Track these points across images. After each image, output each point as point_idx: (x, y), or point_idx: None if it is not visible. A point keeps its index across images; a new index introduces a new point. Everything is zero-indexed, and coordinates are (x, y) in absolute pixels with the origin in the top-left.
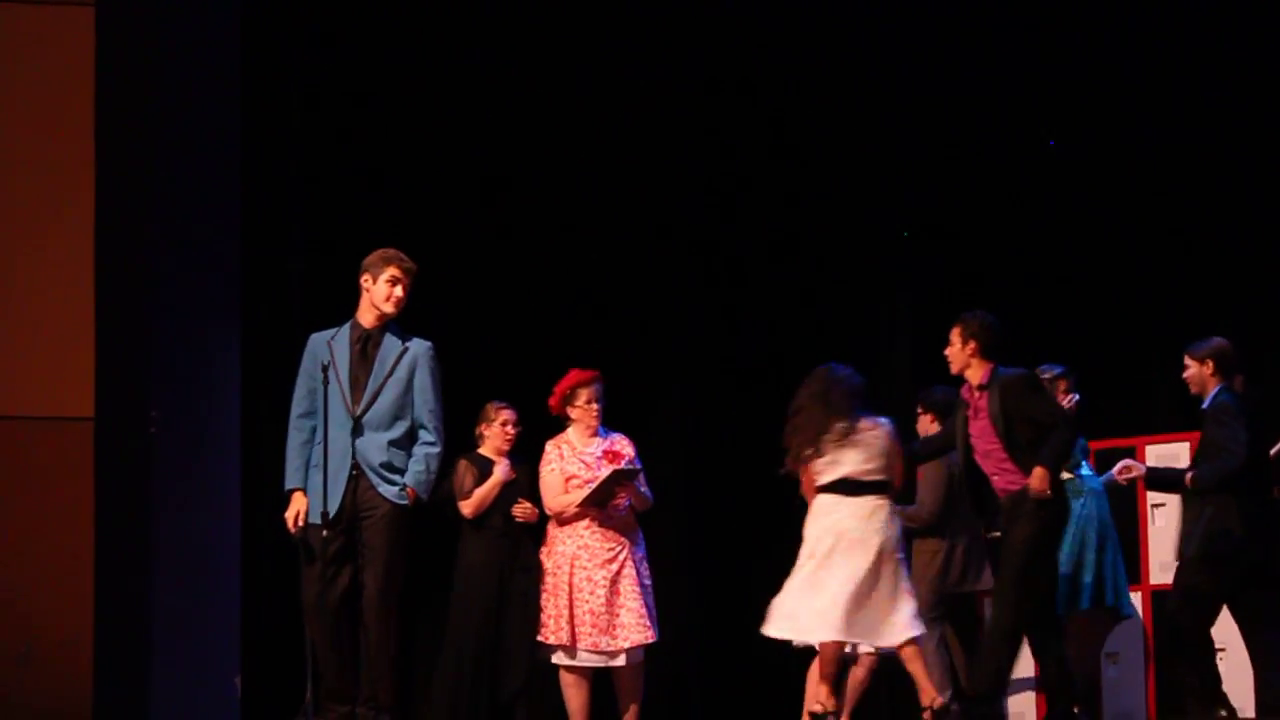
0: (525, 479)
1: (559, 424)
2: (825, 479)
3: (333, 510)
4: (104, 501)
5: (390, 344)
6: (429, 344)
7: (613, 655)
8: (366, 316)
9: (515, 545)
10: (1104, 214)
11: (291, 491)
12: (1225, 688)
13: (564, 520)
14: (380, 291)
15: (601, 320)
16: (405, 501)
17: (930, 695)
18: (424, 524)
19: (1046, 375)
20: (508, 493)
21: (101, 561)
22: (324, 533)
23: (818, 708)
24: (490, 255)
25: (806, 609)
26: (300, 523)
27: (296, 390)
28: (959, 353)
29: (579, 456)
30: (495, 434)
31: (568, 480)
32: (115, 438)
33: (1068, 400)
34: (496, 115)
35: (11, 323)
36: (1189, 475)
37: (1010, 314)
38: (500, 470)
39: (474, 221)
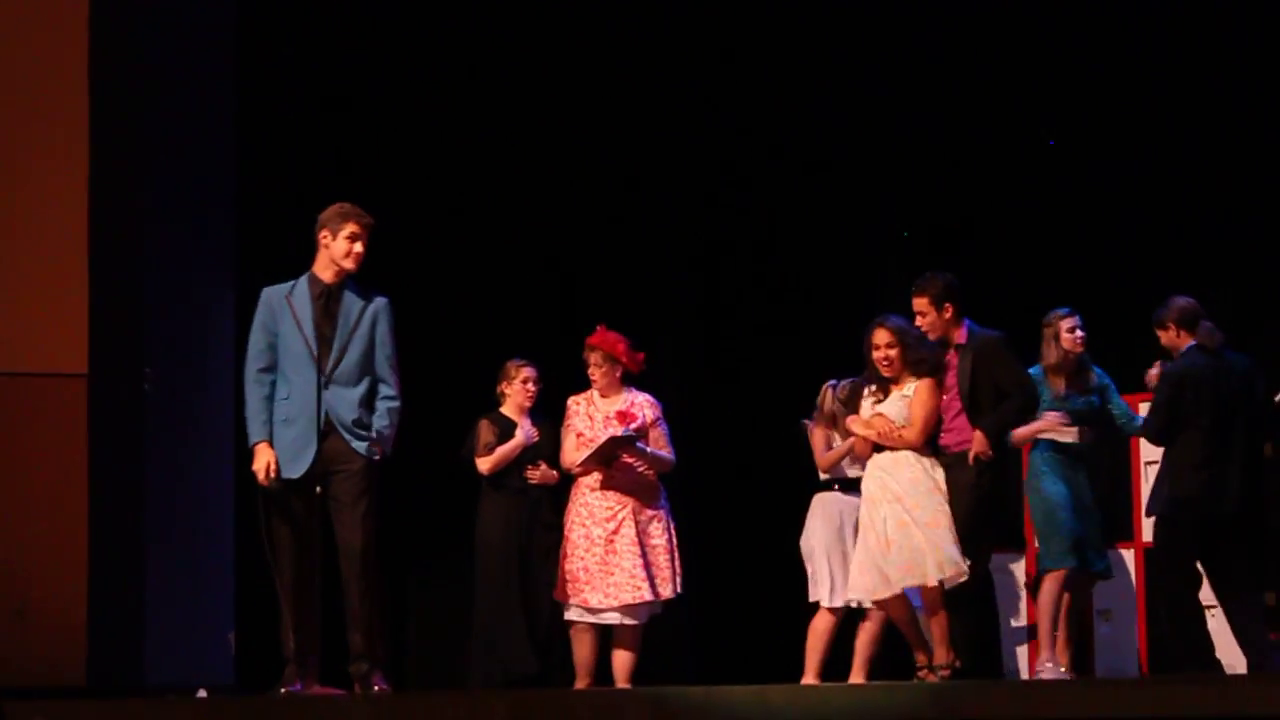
0: (547, 440)
1: (580, 383)
2: None
3: (305, 467)
4: (98, 458)
5: (351, 299)
6: (386, 299)
7: (602, 612)
8: (326, 272)
9: (535, 504)
10: (1089, 186)
11: (256, 445)
12: (1216, 645)
13: (574, 478)
14: (340, 248)
15: (611, 287)
16: (376, 457)
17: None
18: (438, 485)
19: (1056, 315)
20: (528, 453)
21: (95, 517)
22: (316, 489)
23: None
24: (500, 213)
25: None
26: (272, 474)
27: (252, 345)
28: (938, 319)
29: (589, 413)
30: (517, 391)
31: (579, 437)
32: (109, 394)
33: (1071, 337)
34: (498, 76)
35: (6, 280)
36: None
37: (1003, 282)
38: (523, 433)
39: (475, 180)
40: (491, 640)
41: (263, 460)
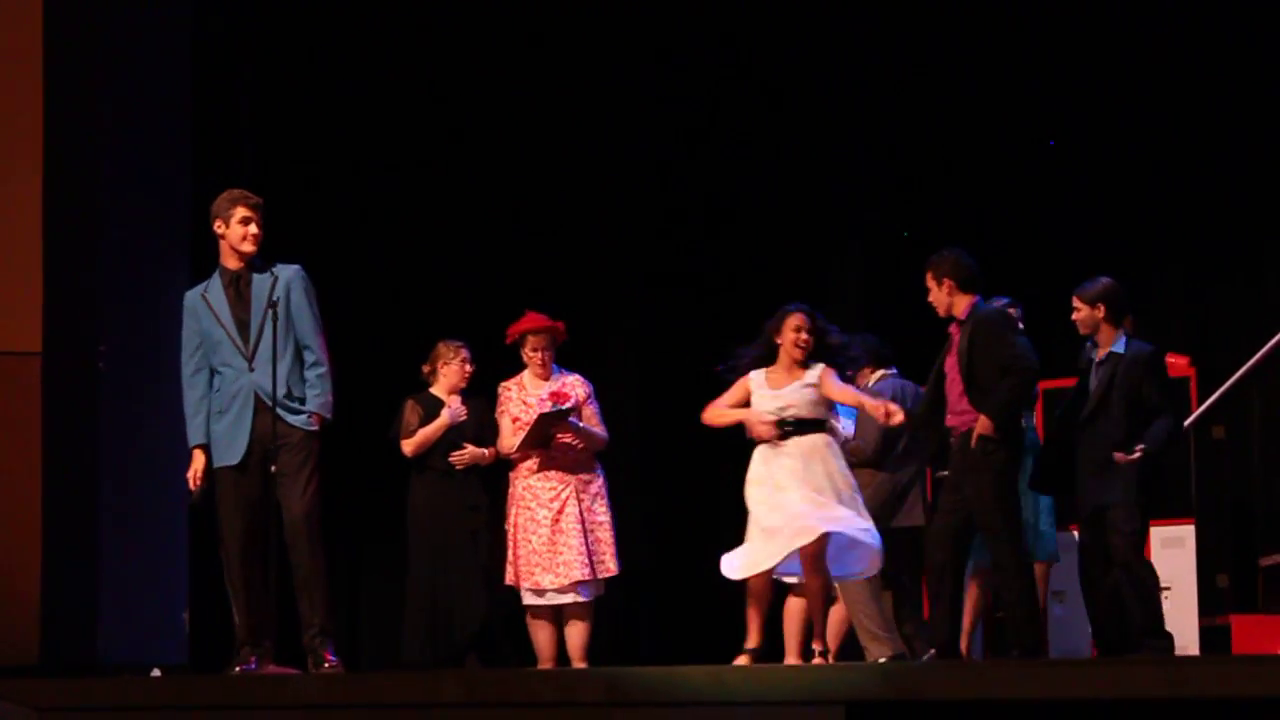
0: (474, 419)
1: (511, 363)
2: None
3: (241, 451)
4: (52, 436)
5: (260, 279)
6: (297, 266)
7: (561, 592)
8: (230, 260)
9: (461, 485)
10: (1046, 159)
11: (193, 449)
12: (1169, 626)
13: (514, 462)
14: (236, 233)
15: (558, 257)
16: (315, 428)
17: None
18: (373, 466)
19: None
20: (453, 433)
21: (49, 496)
22: (271, 468)
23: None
24: (443, 192)
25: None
26: (199, 481)
27: (183, 350)
28: (939, 295)
29: (523, 399)
30: (453, 372)
31: (514, 422)
32: (63, 373)
33: None
34: (451, 52)
35: None
36: (1139, 448)
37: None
38: (448, 412)
39: (429, 157)
40: (423, 622)
41: (192, 469)
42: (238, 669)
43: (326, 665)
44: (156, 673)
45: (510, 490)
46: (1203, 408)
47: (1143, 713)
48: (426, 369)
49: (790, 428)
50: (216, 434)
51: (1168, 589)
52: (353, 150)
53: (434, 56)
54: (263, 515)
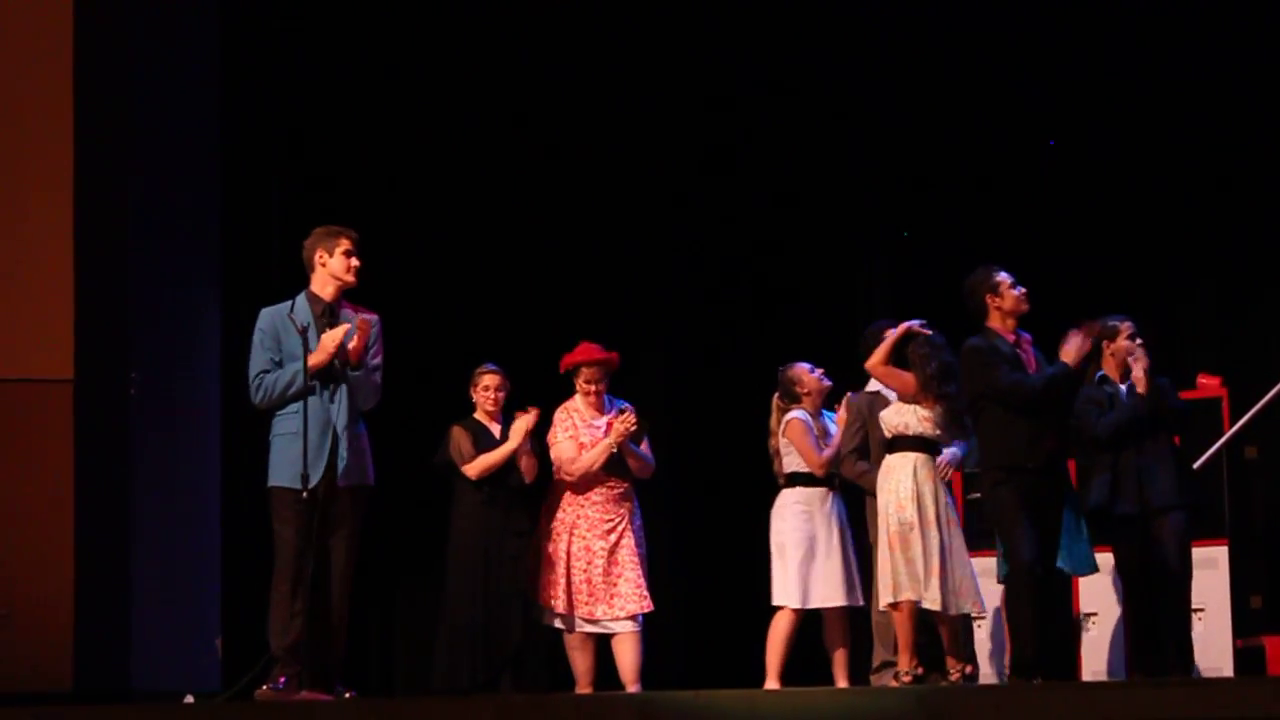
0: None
1: (557, 385)
2: None
3: (315, 479)
4: (84, 463)
5: (349, 316)
6: (378, 316)
7: (614, 621)
8: (326, 290)
9: (504, 510)
10: (1079, 179)
11: (306, 360)
12: (1202, 648)
13: (575, 486)
14: (339, 264)
15: (586, 284)
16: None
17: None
18: (422, 494)
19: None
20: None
21: (82, 523)
22: (305, 495)
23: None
24: (474, 220)
25: None
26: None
27: (254, 365)
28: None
29: (588, 427)
30: (481, 398)
31: (580, 447)
32: (95, 399)
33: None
34: (480, 78)
35: None
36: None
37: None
38: (517, 435)
39: (465, 185)
40: (461, 645)
41: (336, 338)
42: (266, 686)
43: (346, 696)
44: (189, 699)
45: (560, 516)
46: (1235, 428)
47: None
48: (471, 394)
49: None
50: (289, 454)
51: (1201, 610)
52: (385, 174)
53: (472, 84)
54: (311, 543)
